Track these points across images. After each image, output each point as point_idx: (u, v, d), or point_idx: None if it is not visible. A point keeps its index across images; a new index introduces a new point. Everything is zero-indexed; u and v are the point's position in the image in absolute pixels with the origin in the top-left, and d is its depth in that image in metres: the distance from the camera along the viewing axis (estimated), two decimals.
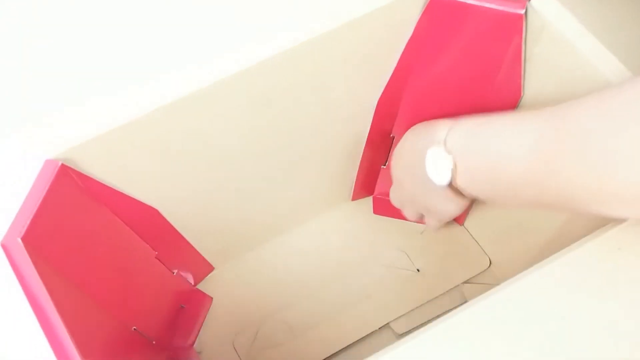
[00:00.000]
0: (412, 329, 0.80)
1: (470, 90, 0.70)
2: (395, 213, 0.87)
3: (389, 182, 0.84)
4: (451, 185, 0.58)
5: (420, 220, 0.75)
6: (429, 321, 0.79)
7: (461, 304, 0.80)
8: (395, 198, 0.74)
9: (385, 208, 0.87)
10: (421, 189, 0.64)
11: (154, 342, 0.73)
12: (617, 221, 0.52)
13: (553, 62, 0.62)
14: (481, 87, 0.69)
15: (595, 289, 0.49)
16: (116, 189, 0.65)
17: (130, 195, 0.67)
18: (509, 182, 0.51)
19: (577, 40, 0.59)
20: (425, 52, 0.68)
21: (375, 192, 0.87)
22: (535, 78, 0.65)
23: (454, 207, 0.63)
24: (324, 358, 0.79)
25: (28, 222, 0.54)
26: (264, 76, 0.63)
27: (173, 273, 0.77)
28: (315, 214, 0.87)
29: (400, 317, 0.80)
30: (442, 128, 0.60)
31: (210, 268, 0.83)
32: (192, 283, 0.82)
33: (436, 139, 0.59)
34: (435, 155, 0.58)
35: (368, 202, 0.88)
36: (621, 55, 0.57)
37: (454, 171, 0.57)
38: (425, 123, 0.66)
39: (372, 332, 0.80)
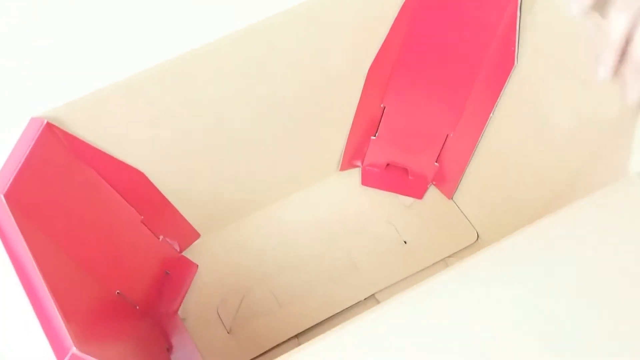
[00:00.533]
0: None
1: (463, 59, 0.69)
2: (383, 185, 0.87)
3: (379, 154, 0.84)
4: None
5: None
6: None
7: None
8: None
9: (373, 179, 0.87)
10: None
11: (137, 307, 0.73)
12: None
13: (547, 31, 0.62)
14: (475, 56, 0.68)
15: (576, 251, 0.48)
16: (103, 150, 0.64)
17: (117, 157, 0.66)
18: None
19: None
20: (418, 20, 0.68)
21: (365, 163, 0.87)
22: (529, 47, 0.64)
23: None
24: (308, 327, 0.78)
25: (11, 178, 0.53)
26: (258, 39, 0.63)
27: (159, 239, 0.77)
28: (304, 184, 0.86)
29: (386, 288, 0.80)
30: None
31: (196, 235, 0.82)
32: (178, 249, 0.81)
33: None
34: None
35: (357, 173, 0.88)
36: None
37: None
38: None
39: (357, 303, 0.80)
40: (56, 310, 0.49)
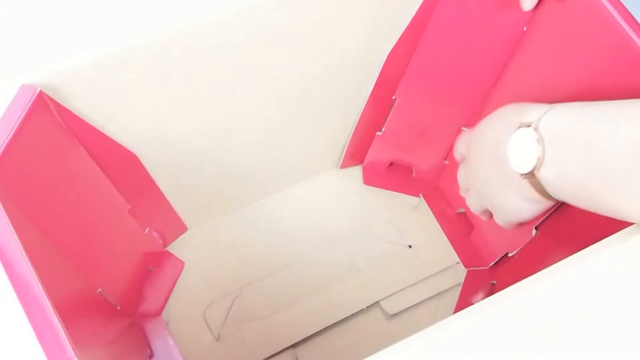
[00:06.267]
0: (404, 310, 0.73)
1: (488, 52, 0.63)
2: (386, 184, 0.81)
3: (383, 151, 0.78)
4: (532, 181, 0.49)
5: (481, 214, 0.62)
6: (422, 302, 0.74)
7: (456, 285, 0.75)
8: (462, 179, 0.62)
9: (376, 178, 0.81)
10: (495, 177, 0.54)
11: (118, 308, 0.65)
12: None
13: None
14: (498, 55, 0.63)
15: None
16: (96, 127, 0.57)
17: (110, 136, 0.58)
18: (605, 178, 0.43)
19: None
20: (446, 8, 0.62)
21: (366, 161, 0.80)
22: None
23: (526, 207, 0.52)
24: (304, 337, 0.72)
25: None
26: (274, 11, 0.56)
27: (144, 231, 0.69)
28: (302, 177, 0.80)
29: (391, 295, 0.74)
30: (537, 110, 0.49)
31: (183, 228, 0.75)
32: (162, 243, 0.73)
33: (526, 120, 0.49)
34: (522, 137, 0.48)
35: (358, 169, 0.82)
36: None
37: (541, 160, 0.46)
38: (517, 104, 0.55)
39: (360, 311, 0.73)
40: (52, 310, 0.42)
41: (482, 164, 0.56)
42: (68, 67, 0.51)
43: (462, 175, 0.61)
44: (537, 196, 0.49)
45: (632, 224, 0.44)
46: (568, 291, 0.42)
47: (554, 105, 0.48)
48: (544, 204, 0.51)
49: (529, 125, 0.47)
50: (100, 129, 0.57)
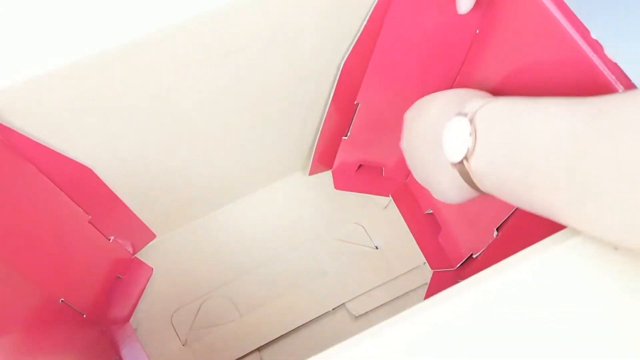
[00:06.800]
0: (370, 311, 0.74)
1: (444, 52, 0.63)
2: (357, 186, 0.81)
3: (350, 153, 0.79)
4: (461, 170, 0.49)
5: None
6: (388, 303, 0.74)
7: (422, 285, 0.75)
8: (403, 148, 0.62)
9: (346, 181, 0.81)
10: (429, 159, 0.55)
11: (84, 315, 0.66)
12: None
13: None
14: (457, 48, 0.62)
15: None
16: (44, 144, 0.57)
17: (60, 152, 0.59)
18: (527, 170, 0.43)
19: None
20: (397, 9, 0.62)
21: (335, 165, 0.80)
22: None
23: (455, 193, 0.53)
24: (271, 340, 0.73)
25: None
26: (223, 24, 0.56)
27: (109, 240, 0.70)
28: (268, 182, 0.80)
29: (357, 297, 0.74)
30: (476, 101, 0.49)
31: (151, 236, 0.76)
32: (131, 251, 0.74)
33: (464, 111, 0.49)
34: (456, 126, 0.49)
35: (327, 173, 0.82)
36: None
37: (470, 151, 0.47)
38: (460, 90, 0.57)
39: (325, 313, 0.74)
40: None
41: (417, 142, 0.57)
42: (6, 87, 0.51)
43: (403, 143, 0.62)
44: (465, 185, 0.50)
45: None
46: (489, 304, 0.41)
47: (494, 98, 0.48)
48: (472, 193, 0.51)
49: (466, 115, 0.48)
50: (47, 145, 0.58)
